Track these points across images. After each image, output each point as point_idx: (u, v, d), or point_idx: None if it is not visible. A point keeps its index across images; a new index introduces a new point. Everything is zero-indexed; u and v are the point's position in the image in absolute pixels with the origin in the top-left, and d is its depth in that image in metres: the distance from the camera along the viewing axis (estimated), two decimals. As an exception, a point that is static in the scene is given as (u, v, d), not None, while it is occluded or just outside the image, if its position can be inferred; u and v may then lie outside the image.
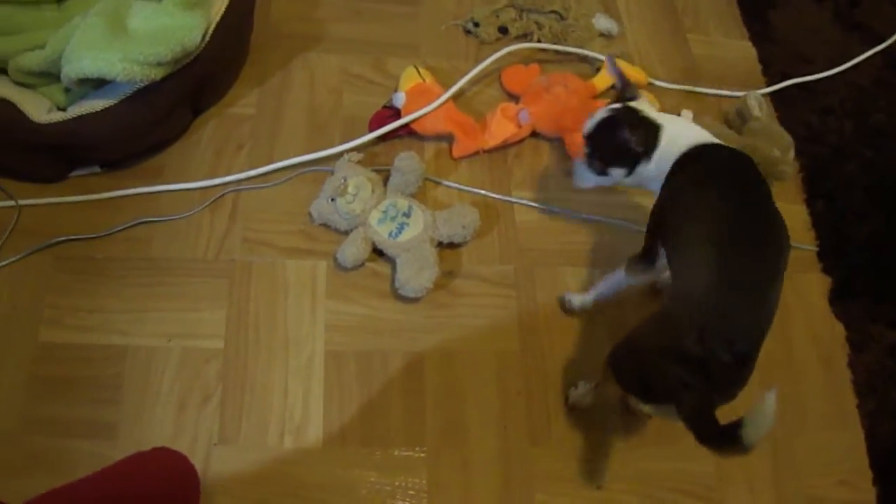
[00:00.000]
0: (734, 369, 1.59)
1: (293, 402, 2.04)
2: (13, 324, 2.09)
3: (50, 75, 2.17)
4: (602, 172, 2.00)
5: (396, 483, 1.97)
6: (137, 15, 2.15)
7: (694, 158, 1.86)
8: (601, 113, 1.97)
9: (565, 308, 2.21)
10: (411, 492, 1.96)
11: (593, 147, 1.99)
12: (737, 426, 1.43)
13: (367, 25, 2.69)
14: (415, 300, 2.16)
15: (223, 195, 2.30)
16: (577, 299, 2.19)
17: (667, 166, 1.89)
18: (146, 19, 2.13)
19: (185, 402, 2.02)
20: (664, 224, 1.88)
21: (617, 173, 1.98)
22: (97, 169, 2.30)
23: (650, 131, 1.92)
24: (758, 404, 1.41)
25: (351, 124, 2.45)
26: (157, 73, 2.06)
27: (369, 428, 2.02)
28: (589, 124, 1.98)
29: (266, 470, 1.96)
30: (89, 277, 2.17)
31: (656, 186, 1.93)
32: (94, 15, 2.10)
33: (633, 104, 1.98)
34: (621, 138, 1.91)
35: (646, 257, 1.98)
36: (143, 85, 2.10)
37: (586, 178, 2.05)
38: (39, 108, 2.12)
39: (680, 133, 1.92)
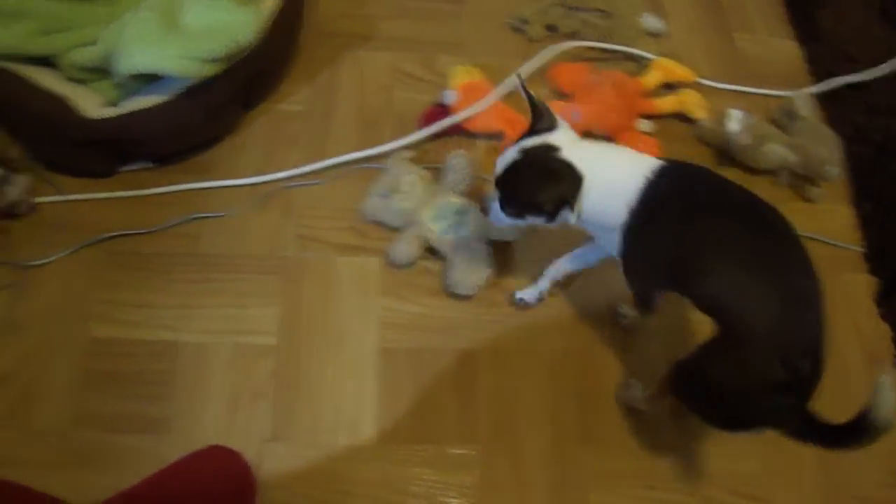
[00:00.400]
0: (816, 373, 1.57)
1: (346, 399, 2.04)
2: (64, 319, 2.10)
3: (102, 71, 2.18)
4: (518, 218, 1.81)
5: (449, 480, 1.96)
6: (190, 10, 2.15)
7: (660, 195, 1.68)
8: (511, 153, 1.76)
9: (620, 323, 2.15)
10: (464, 489, 1.95)
11: (503, 193, 1.80)
12: (864, 415, 1.43)
13: (416, 23, 2.70)
14: (466, 298, 2.14)
15: (275, 192, 2.28)
16: (631, 316, 2.14)
17: (614, 214, 1.72)
18: (199, 15, 2.13)
19: (237, 398, 2.02)
20: (667, 275, 1.76)
21: (535, 220, 1.79)
22: (147, 164, 2.29)
23: (568, 182, 1.71)
24: (878, 388, 1.42)
25: (401, 121, 2.45)
26: (210, 70, 2.07)
27: (422, 425, 2.02)
28: (498, 166, 1.78)
29: (320, 466, 1.95)
30: (140, 273, 2.18)
31: (604, 234, 1.81)
32: (147, 10, 2.11)
33: (551, 139, 1.75)
34: (529, 192, 1.74)
35: (648, 306, 1.96)
36: (196, 81, 2.08)
37: (500, 219, 1.85)
38: (91, 104, 2.13)
39: (616, 175, 1.72)
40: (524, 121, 2.17)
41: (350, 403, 2.04)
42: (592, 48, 2.62)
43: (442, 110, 2.32)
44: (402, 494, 1.93)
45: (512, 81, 2.41)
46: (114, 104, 2.18)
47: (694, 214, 1.66)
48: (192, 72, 2.02)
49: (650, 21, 2.62)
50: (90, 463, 1.94)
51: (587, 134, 2.38)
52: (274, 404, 2.02)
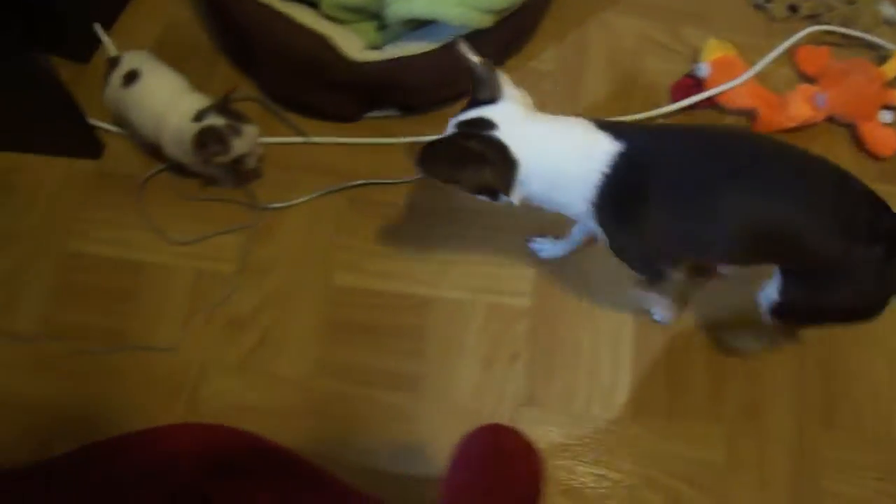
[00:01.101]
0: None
1: (601, 367, 2.00)
2: (305, 265, 2.09)
3: (364, 11, 2.13)
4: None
5: (695, 456, 1.93)
6: (466, -42, 2.07)
7: (633, 181, 1.54)
8: (450, 126, 1.61)
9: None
10: (708, 465, 1.93)
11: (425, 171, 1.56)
12: None
13: (661, -10, 2.57)
14: (721, 276, 2.08)
15: (527, 151, 2.20)
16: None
17: (570, 202, 1.61)
18: (477, -36, 2.05)
19: (491, 359, 1.99)
20: (691, 251, 1.73)
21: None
22: (393, 112, 2.23)
23: (493, 168, 1.55)
24: None
25: (651, 90, 2.38)
26: (487, 21, 2.02)
27: (673, 400, 1.98)
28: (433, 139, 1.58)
29: (572, 434, 1.93)
30: (387, 223, 2.15)
31: (581, 216, 1.66)
32: (423, -46, 2.01)
33: (491, 113, 1.57)
34: (450, 174, 1.56)
35: (660, 278, 1.85)
36: (466, 31, 2.02)
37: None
38: (353, 46, 2.09)
39: (564, 164, 1.57)
40: (776, 100, 2.13)
41: (605, 372, 2.00)
42: (832, 32, 2.54)
43: (693, 82, 2.27)
44: (652, 469, 1.92)
45: (766, 59, 2.36)
46: (375, 47, 2.13)
47: (694, 185, 1.53)
48: (472, 21, 1.97)
49: (888, 10, 2.57)
50: (333, 414, 1.92)
51: (830, 120, 2.32)
52: (528, 368, 1.99)
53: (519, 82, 2.13)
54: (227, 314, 2.03)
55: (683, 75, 2.32)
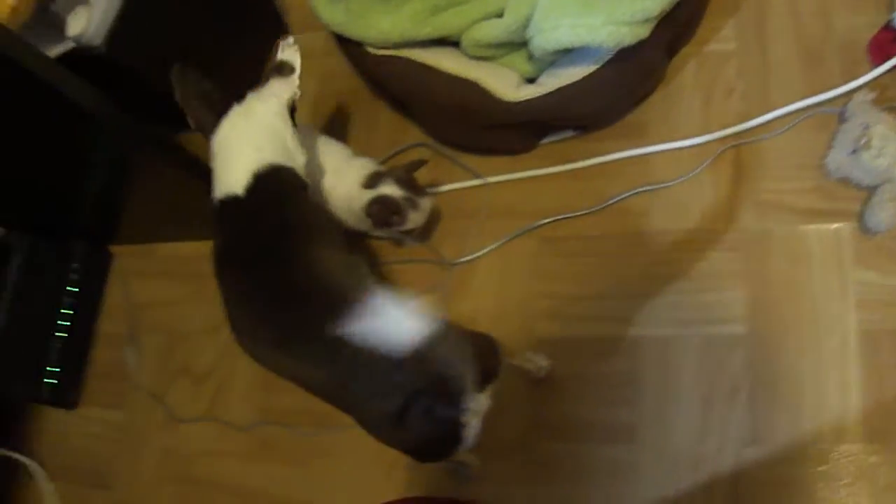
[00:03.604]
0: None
1: (828, 391, 1.80)
2: (503, 319, 2.00)
3: (510, 44, 1.99)
4: None
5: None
6: (607, -33, 1.85)
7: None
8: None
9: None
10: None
11: None
12: None
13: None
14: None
15: (722, 151, 2.00)
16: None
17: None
18: (621, -31, 1.83)
19: (710, 397, 1.84)
20: None
21: None
22: (569, 134, 2.09)
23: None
24: None
25: (849, 52, 2.04)
26: (644, 31, 1.82)
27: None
28: None
29: (801, 473, 1.76)
30: (582, 259, 2.01)
31: None
32: (559, -26, 1.82)
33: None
34: None
35: None
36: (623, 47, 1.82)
37: None
38: (506, 84, 1.96)
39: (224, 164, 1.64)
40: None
41: (832, 396, 1.79)
42: None
43: (894, 35, 1.93)
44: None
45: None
46: (529, 79, 2.00)
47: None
48: (626, 39, 1.80)
49: None
50: (552, 476, 1.86)
51: None
52: (749, 403, 1.82)
53: (696, 71, 1.93)
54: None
55: (880, 28, 1.98)
